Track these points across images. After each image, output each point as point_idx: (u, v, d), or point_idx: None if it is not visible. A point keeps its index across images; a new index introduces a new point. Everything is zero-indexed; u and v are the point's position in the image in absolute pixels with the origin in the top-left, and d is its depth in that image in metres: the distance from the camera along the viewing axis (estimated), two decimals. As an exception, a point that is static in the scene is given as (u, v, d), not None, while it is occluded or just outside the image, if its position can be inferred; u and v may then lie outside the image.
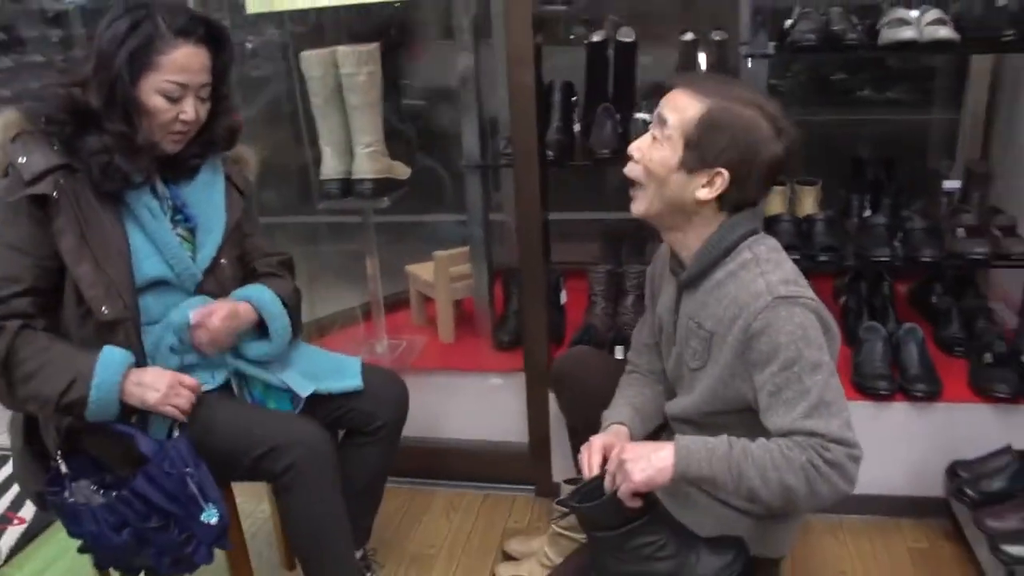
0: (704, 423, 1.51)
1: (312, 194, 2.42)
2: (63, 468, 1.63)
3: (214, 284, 1.72)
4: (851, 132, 3.32)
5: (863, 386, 2.18)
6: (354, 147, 2.34)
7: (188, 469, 1.54)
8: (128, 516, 1.52)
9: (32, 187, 1.49)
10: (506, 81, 2.54)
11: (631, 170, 1.48)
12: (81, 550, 1.61)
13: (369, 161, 2.33)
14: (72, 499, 1.57)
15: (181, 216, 1.70)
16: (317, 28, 2.71)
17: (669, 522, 1.49)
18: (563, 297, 2.62)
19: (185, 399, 1.57)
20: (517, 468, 2.43)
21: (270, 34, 2.81)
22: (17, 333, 1.50)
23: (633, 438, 1.59)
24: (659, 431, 1.68)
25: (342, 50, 2.23)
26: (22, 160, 1.50)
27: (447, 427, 2.51)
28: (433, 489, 2.49)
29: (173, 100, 1.56)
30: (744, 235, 1.44)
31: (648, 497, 1.41)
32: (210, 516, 1.56)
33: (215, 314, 1.64)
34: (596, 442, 1.54)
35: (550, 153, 2.30)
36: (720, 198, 1.42)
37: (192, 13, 1.59)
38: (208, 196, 1.74)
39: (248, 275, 1.84)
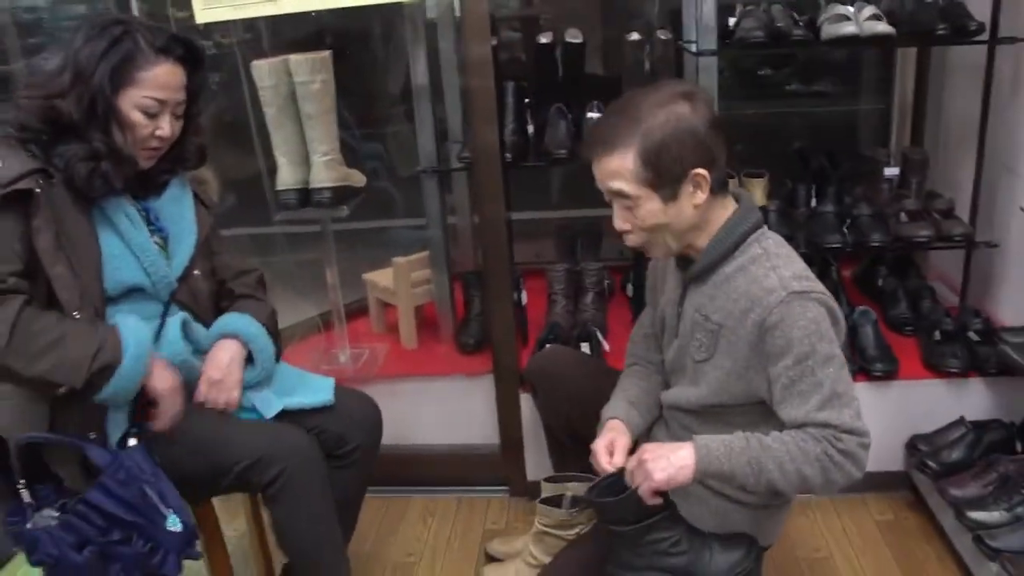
0: (706, 414, 1.55)
1: (267, 205, 2.39)
2: (26, 498, 1.56)
3: (187, 295, 1.71)
4: (784, 124, 3.42)
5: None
6: (311, 156, 2.31)
7: (145, 476, 1.51)
8: (88, 532, 1.48)
9: (12, 185, 1.45)
10: (457, 85, 2.59)
11: (633, 240, 1.50)
12: None
13: (327, 170, 2.31)
14: (31, 526, 1.51)
15: (154, 227, 1.69)
16: (260, 38, 2.67)
17: (684, 519, 1.54)
18: (523, 298, 2.64)
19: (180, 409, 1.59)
20: (490, 469, 2.44)
21: (217, 44, 2.75)
22: (23, 306, 1.46)
23: (631, 432, 1.62)
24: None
25: (295, 59, 2.21)
26: None
27: (416, 433, 2.50)
28: (407, 496, 2.48)
29: (151, 116, 1.57)
30: (750, 229, 1.47)
31: (666, 495, 1.45)
32: (174, 524, 1.53)
33: (231, 374, 1.68)
34: (599, 446, 1.57)
35: (507, 155, 2.32)
36: (711, 188, 1.43)
37: (170, 33, 1.60)
38: (178, 210, 1.74)
39: (224, 294, 1.83)
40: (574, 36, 2.53)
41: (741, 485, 1.43)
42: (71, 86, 1.51)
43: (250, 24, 2.55)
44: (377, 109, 3.27)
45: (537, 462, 2.34)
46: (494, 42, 2.18)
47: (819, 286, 1.43)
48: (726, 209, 1.49)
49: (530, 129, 2.50)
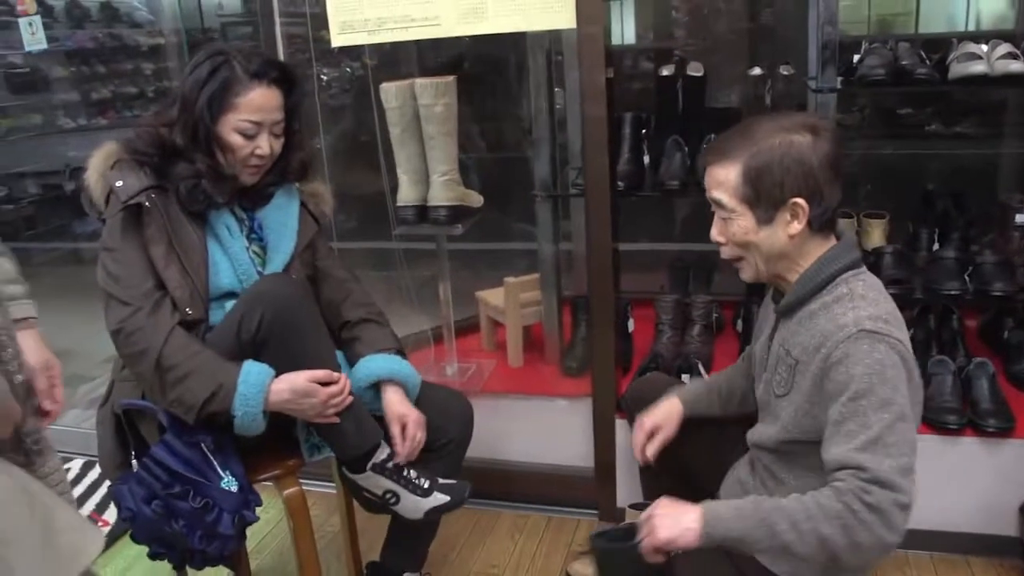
0: (785, 453, 1.53)
1: (389, 221, 2.51)
2: (135, 465, 1.75)
3: None
4: (919, 166, 3.32)
5: (932, 420, 2.16)
6: (430, 175, 2.43)
7: (202, 436, 1.66)
8: (154, 486, 1.62)
9: (132, 199, 1.65)
10: (579, 113, 2.65)
11: (726, 254, 1.53)
12: (133, 538, 1.68)
13: (444, 189, 2.41)
14: (122, 486, 1.67)
15: (256, 235, 1.85)
16: (394, 61, 2.81)
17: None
18: (631, 325, 2.67)
19: (334, 406, 1.69)
20: (582, 492, 2.47)
21: (351, 66, 2.92)
22: (170, 332, 1.63)
23: (686, 409, 1.73)
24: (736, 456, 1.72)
25: (420, 82, 2.33)
26: (119, 184, 1.68)
27: (514, 450, 2.56)
28: (499, 511, 2.53)
29: (249, 137, 1.72)
30: (842, 268, 1.46)
31: (670, 555, 1.43)
32: (229, 484, 1.66)
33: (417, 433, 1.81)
34: (646, 423, 1.68)
35: (620, 184, 2.37)
36: (809, 223, 1.43)
37: (266, 57, 1.75)
38: (282, 218, 1.88)
39: (343, 325, 1.93)
40: (696, 69, 2.54)
41: (758, 548, 1.38)
42: (178, 115, 1.70)
43: (389, 47, 2.69)
44: (504, 133, 3.37)
45: (629, 488, 2.34)
46: (610, 73, 2.22)
47: (898, 332, 1.38)
48: (822, 247, 1.48)
49: (646, 160, 2.54)
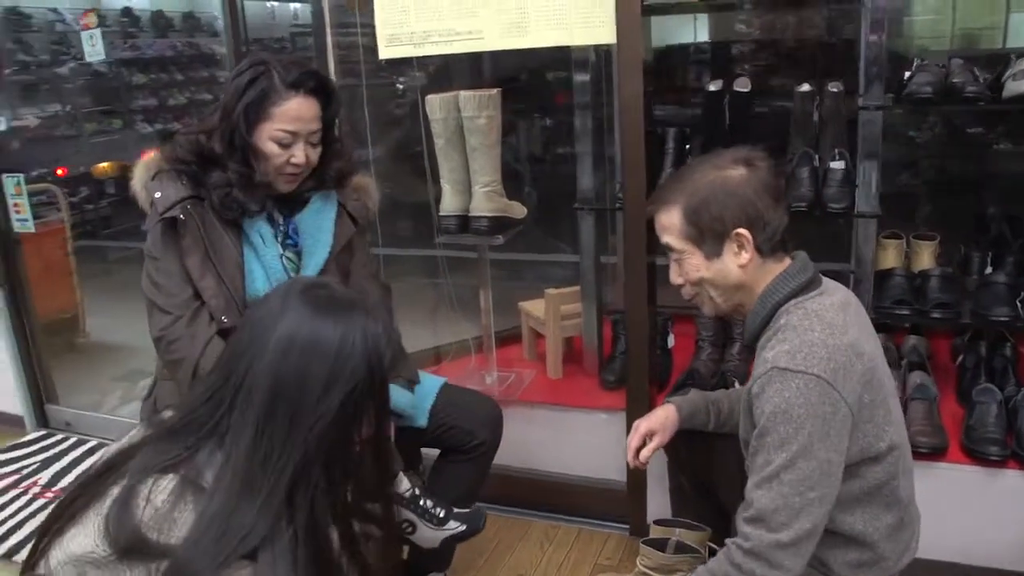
0: None
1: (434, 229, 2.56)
2: None
3: None
4: (982, 186, 3.21)
5: (973, 450, 2.10)
6: (473, 186, 2.46)
7: None
8: None
9: (167, 212, 1.71)
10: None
11: (686, 293, 1.58)
12: None
13: (486, 200, 2.45)
14: None
15: (291, 241, 1.87)
16: (445, 73, 2.86)
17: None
18: (671, 341, 2.65)
19: None
20: (613, 506, 2.46)
21: (401, 78, 2.98)
22: (207, 344, 1.70)
23: (680, 418, 1.77)
24: None
25: (464, 94, 2.36)
26: (157, 195, 1.74)
27: (549, 460, 2.57)
28: (530, 519, 2.54)
29: (284, 146, 1.74)
30: (783, 299, 1.47)
31: None
32: None
33: None
34: (641, 426, 1.74)
35: (659, 198, 2.36)
36: (758, 249, 1.46)
37: (304, 68, 1.76)
38: (318, 222, 1.89)
39: None
40: (742, 85, 2.53)
41: None
42: (218, 123, 1.74)
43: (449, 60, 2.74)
44: (553, 145, 3.39)
45: (660, 504, 2.33)
46: (649, 87, 2.22)
47: (817, 365, 1.35)
48: (777, 271, 1.50)
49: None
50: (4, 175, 3.14)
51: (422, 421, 1.95)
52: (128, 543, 1.06)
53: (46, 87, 5.00)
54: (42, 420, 3.43)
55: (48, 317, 3.50)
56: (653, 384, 2.40)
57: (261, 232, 1.82)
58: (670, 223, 1.50)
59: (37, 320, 3.37)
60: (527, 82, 3.06)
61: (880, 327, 2.59)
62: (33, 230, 3.18)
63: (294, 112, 1.73)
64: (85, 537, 1.08)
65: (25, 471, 3.02)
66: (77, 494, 1.14)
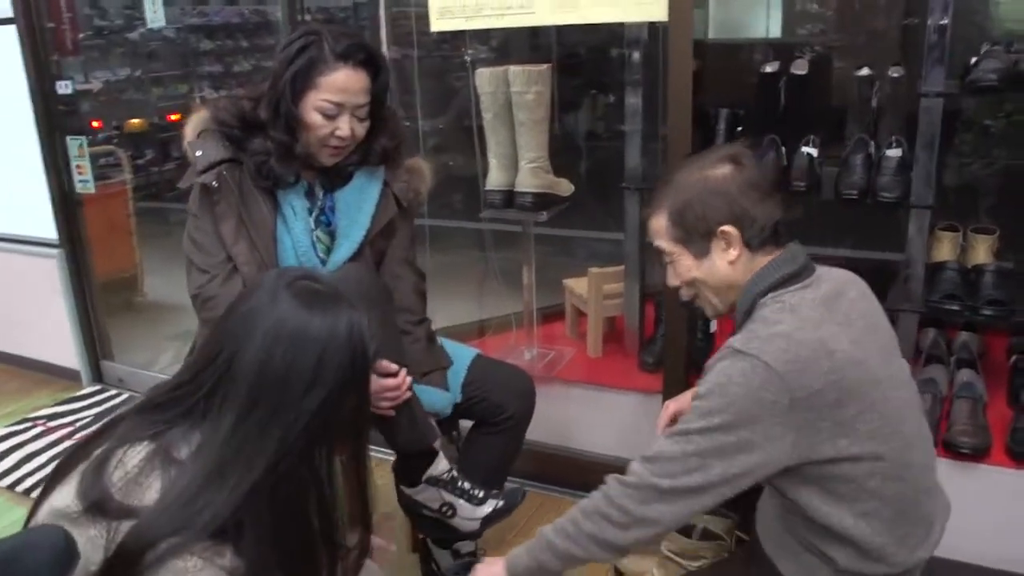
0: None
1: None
2: None
3: None
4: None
5: (1018, 453, 2.04)
6: (519, 161, 2.46)
7: None
8: None
9: (200, 177, 1.73)
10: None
11: (684, 295, 1.57)
12: None
13: (531, 176, 2.44)
14: None
15: (325, 219, 1.86)
16: (501, 47, 2.85)
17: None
18: (713, 326, 2.62)
19: (389, 399, 1.72)
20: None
21: (468, 50, 2.97)
22: None
23: None
24: None
25: (513, 69, 2.36)
26: (198, 154, 1.74)
27: (584, 439, 2.57)
28: (564, 497, 2.55)
29: (329, 117, 1.71)
30: (761, 292, 1.43)
31: None
32: None
33: None
34: (670, 407, 1.79)
35: (707, 180, 2.32)
36: (746, 245, 1.44)
37: (355, 39, 1.74)
38: (357, 202, 1.86)
39: None
40: (800, 68, 2.47)
41: (561, 565, 1.46)
42: (266, 90, 1.73)
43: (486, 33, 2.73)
44: (608, 121, 3.36)
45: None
46: (697, 66, 2.19)
47: (771, 354, 1.31)
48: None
49: (740, 157, 2.48)
50: (68, 137, 3.23)
51: (456, 397, 1.95)
52: (95, 501, 1.08)
53: (120, 51, 5.12)
54: (97, 376, 3.55)
55: (108, 276, 3.61)
56: (691, 369, 2.37)
57: (293, 204, 1.80)
58: (658, 227, 1.51)
59: (96, 279, 3.48)
60: (584, 58, 3.03)
61: (931, 322, 2.54)
62: (94, 191, 3.28)
63: (341, 83, 1.70)
64: (66, 494, 1.11)
65: (79, 423, 3.14)
66: (72, 455, 1.19)
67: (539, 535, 1.48)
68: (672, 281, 1.55)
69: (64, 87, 3.22)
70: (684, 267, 1.50)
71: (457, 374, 1.97)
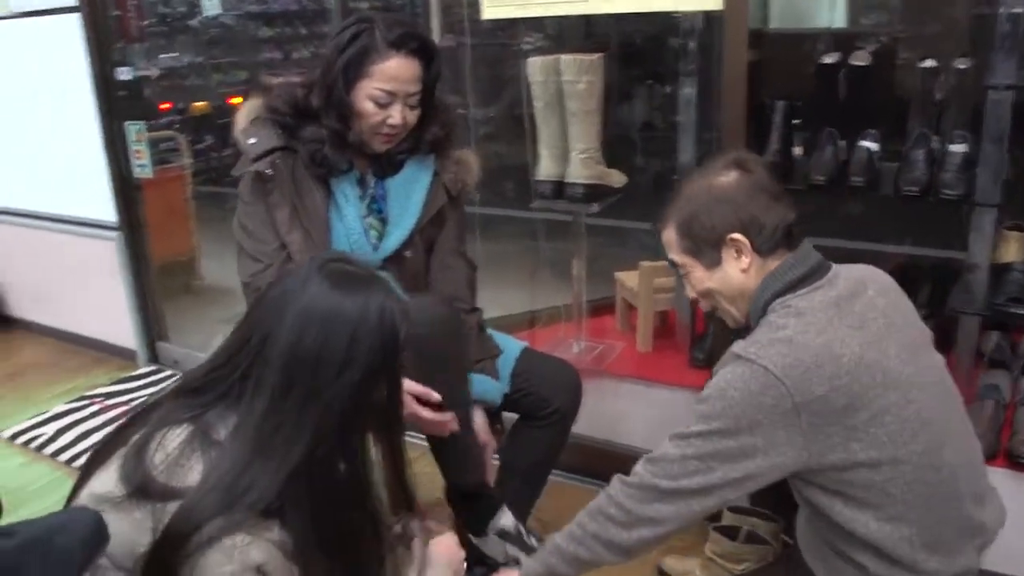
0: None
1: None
2: None
3: (395, 273, 1.84)
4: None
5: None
6: (570, 152, 2.43)
7: None
8: None
9: (254, 165, 1.73)
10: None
11: (704, 307, 1.57)
12: None
13: (582, 167, 2.41)
14: None
15: (377, 206, 1.87)
16: (556, 36, 2.82)
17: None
18: (765, 322, 2.57)
19: (426, 412, 1.70)
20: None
21: (526, 38, 2.95)
22: None
23: None
24: None
25: (565, 58, 2.33)
26: (251, 142, 1.75)
27: (630, 435, 2.54)
28: (607, 492, 2.52)
29: (381, 105, 1.72)
30: (770, 298, 1.42)
31: None
32: None
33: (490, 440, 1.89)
34: None
35: (762, 174, 2.27)
36: (757, 251, 1.42)
37: (408, 28, 1.74)
38: (408, 190, 1.87)
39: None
40: (861, 59, 2.39)
41: (565, 573, 1.47)
42: (318, 78, 1.74)
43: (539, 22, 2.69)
44: (665, 112, 3.29)
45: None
46: (752, 56, 2.13)
47: (771, 359, 1.29)
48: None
49: (797, 151, 2.42)
50: (127, 123, 3.29)
51: (505, 387, 1.94)
52: (138, 484, 1.11)
53: (182, 37, 5.20)
54: (153, 356, 3.62)
55: (166, 259, 3.68)
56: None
57: (345, 192, 1.82)
58: (670, 239, 1.50)
59: (154, 262, 3.55)
60: (641, 47, 2.98)
61: (995, 325, 2.45)
62: (151, 176, 3.33)
63: (393, 71, 1.71)
64: (107, 479, 1.13)
65: (135, 402, 3.20)
66: (109, 440, 1.21)
67: (548, 540, 1.49)
68: (690, 294, 1.55)
69: (124, 73, 3.28)
70: (697, 279, 1.49)
71: (506, 365, 1.96)
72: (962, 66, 2.27)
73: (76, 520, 1.05)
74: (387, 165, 1.86)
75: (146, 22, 4.80)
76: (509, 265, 3.26)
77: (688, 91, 2.49)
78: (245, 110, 1.83)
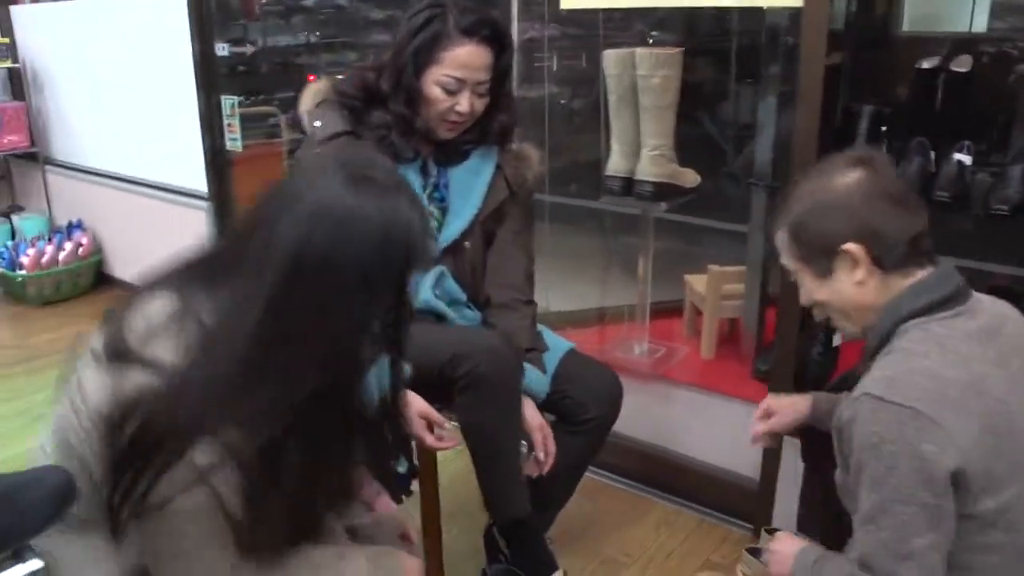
0: None
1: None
2: None
3: (452, 262, 1.85)
4: None
5: None
6: (641, 148, 2.36)
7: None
8: None
9: (319, 148, 1.72)
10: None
11: (816, 316, 1.44)
12: None
13: (653, 164, 2.34)
14: None
15: (439, 195, 1.85)
16: (636, 29, 2.75)
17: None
18: (837, 339, 2.43)
19: (429, 438, 1.67)
20: (740, 502, 2.32)
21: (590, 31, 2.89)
22: None
23: (814, 417, 1.64)
24: None
25: (640, 51, 2.26)
26: (317, 124, 1.75)
27: (684, 442, 2.47)
28: (653, 499, 2.46)
29: (450, 92, 1.70)
30: (903, 318, 1.27)
31: None
32: (400, 466, 1.72)
33: (544, 427, 1.80)
34: (765, 402, 1.71)
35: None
36: (876, 264, 1.27)
37: (481, 14, 1.70)
38: (470, 181, 1.85)
39: (486, 301, 1.90)
40: (962, 65, 2.23)
41: None
42: (389, 62, 1.72)
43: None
44: (743, 112, 3.18)
45: (789, 510, 2.17)
46: (836, 59, 2.02)
47: (919, 397, 1.15)
48: (901, 289, 1.30)
49: (885, 160, 2.28)
50: (223, 97, 3.40)
51: (546, 388, 1.87)
52: (113, 345, 1.04)
53: (300, 17, 5.33)
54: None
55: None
56: (805, 382, 2.22)
57: (409, 179, 1.79)
58: (782, 243, 1.37)
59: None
60: (724, 45, 2.87)
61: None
62: (240, 149, 3.42)
63: (464, 58, 1.69)
64: (96, 338, 1.08)
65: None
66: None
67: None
68: (803, 300, 1.42)
69: (221, 50, 3.39)
70: (808, 288, 1.37)
71: (549, 364, 1.91)
72: (1073, 77, 2.10)
73: (47, 476, 1.07)
74: (452, 153, 1.85)
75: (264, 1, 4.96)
76: (578, 259, 3.21)
77: (767, 91, 2.38)
78: (311, 91, 1.82)
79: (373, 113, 1.74)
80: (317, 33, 5.35)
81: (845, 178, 1.29)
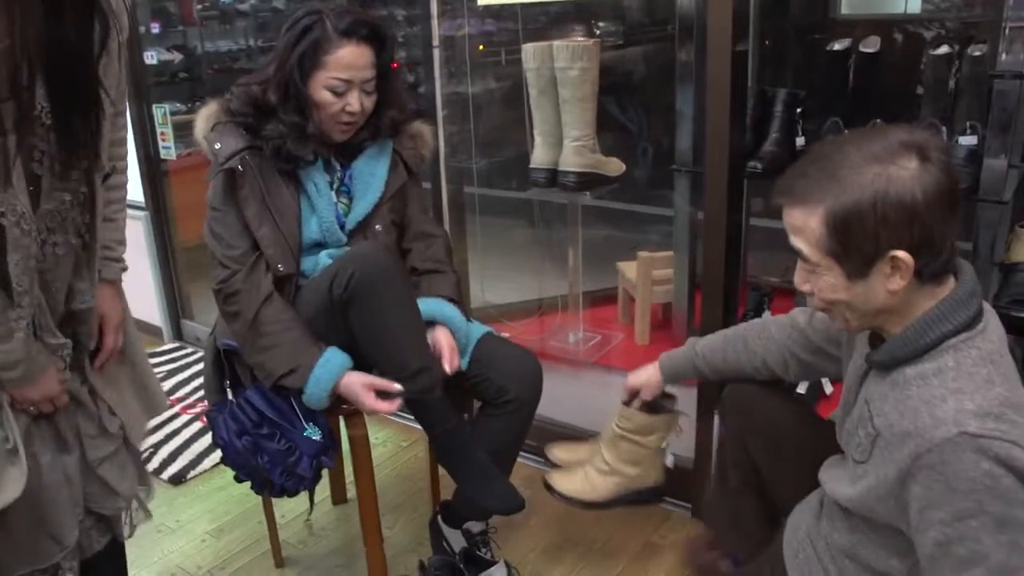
0: (855, 518, 1.33)
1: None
2: (230, 396, 1.92)
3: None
4: None
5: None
6: (563, 139, 2.39)
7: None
8: (246, 424, 1.77)
9: (224, 165, 1.76)
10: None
11: (813, 304, 1.27)
12: (223, 461, 1.84)
13: (575, 155, 2.37)
14: (214, 413, 1.85)
15: (345, 188, 1.91)
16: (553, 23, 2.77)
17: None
18: (765, 317, 2.48)
19: (384, 405, 1.73)
20: (679, 484, 2.34)
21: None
22: (264, 302, 1.75)
23: (667, 380, 1.85)
24: None
25: (557, 44, 2.29)
26: (218, 146, 1.78)
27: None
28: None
29: (339, 94, 1.76)
30: (952, 331, 1.16)
31: None
32: (312, 433, 1.78)
33: (453, 357, 1.83)
34: (627, 381, 1.87)
35: (757, 165, 2.18)
36: (917, 273, 1.15)
37: (357, 15, 1.76)
38: (371, 168, 1.92)
39: (411, 271, 1.97)
40: (870, 45, 2.28)
41: None
42: (273, 74, 1.76)
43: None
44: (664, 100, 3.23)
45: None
46: (744, 45, 2.06)
47: (1015, 430, 1.06)
48: (936, 296, 1.18)
49: (800, 141, 2.33)
50: (154, 105, 3.37)
51: (464, 362, 1.91)
52: None
53: (239, 21, 5.28)
54: (177, 334, 3.74)
55: (193, 241, 3.75)
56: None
57: (316, 182, 1.86)
58: (806, 227, 1.17)
59: (181, 243, 3.65)
60: (640, 34, 2.91)
61: (1008, 329, 2.31)
62: (173, 157, 3.40)
63: (347, 59, 1.75)
64: None
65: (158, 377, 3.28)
66: None
67: None
68: (802, 286, 1.25)
69: (150, 58, 3.36)
70: (827, 285, 1.20)
71: (468, 346, 1.93)
72: (977, 53, 2.15)
73: None
74: (353, 149, 1.91)
75: (199, 6, 4.91)
76: (518, 251, 3.24)
77: (685, 78, 2.41)
78: (203, 116, 1.85)
79: (267, 125, 1.77)
80: (257, 39, 5.31)
81: (903, 168, 1.10)
